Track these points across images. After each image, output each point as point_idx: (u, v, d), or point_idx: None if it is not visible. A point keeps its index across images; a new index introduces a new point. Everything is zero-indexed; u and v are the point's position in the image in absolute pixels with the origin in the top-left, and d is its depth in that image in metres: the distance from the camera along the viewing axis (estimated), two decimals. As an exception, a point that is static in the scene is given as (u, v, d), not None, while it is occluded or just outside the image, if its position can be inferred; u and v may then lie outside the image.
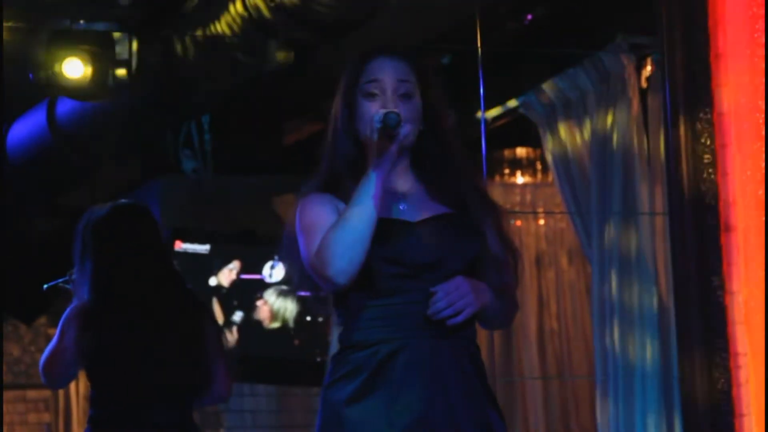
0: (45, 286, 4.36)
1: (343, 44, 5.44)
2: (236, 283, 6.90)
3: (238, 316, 6.84)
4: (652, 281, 5.59)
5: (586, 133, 5.84)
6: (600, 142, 5.75)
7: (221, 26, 5.57)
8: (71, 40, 5.69)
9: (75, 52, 5.69)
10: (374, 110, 2.94)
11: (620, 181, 5.67)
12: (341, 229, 2.88)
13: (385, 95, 2.98)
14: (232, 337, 6.78)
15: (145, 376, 4.08)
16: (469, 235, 2.99)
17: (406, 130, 2.92)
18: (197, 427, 4.25)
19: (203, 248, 6.86)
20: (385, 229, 2.92)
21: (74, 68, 5.69)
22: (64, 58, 5.69)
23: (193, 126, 7.09)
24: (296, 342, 6.94)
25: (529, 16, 5.87)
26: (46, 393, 9.80)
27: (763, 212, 3.77)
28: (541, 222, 7.60)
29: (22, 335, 9.84)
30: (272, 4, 5.29)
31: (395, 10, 5.32)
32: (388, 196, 2.97)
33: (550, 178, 7.03)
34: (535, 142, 6.92)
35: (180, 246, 6.80)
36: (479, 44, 5.38)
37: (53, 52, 5.67)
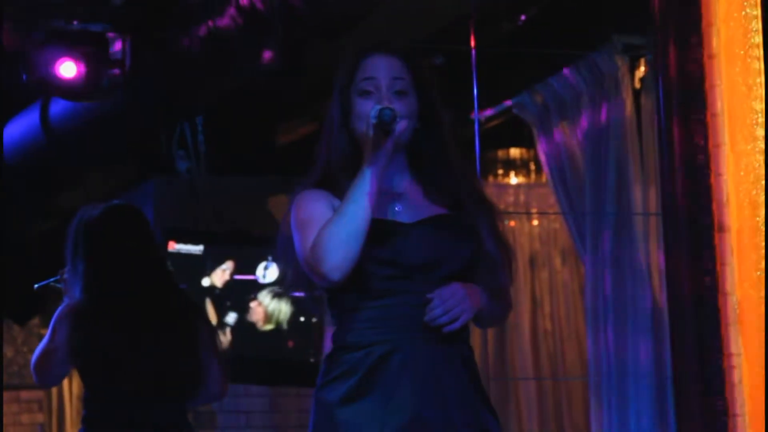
0: (36, 285, 4.36)
1: (337, 44, 5.44)
2: (230, 284, 6.88)
3: (231, 317, 6.83)
4: (646, 282, 5.60)
5: (580, 134, 5.85)
6: (594, 142, 5.76)
7: (216, 26, 5.57)
8: (65, 41, 5.68)
9: (69, 53, 5.68)
10: (369, 107, 2.93)
11: (614, 182, 5.68)
12: (336, 225, 2.88)
13: (380, 92, 2.98)
14: (225, 338, 6.76)
15: (138, 376, 4.08)
16: (464, 237, 2.99)
17: (402, 126, 2.92)
18: (191, 426, 4.25)
19: (196, 249, 6.84)
20: (380, 231, 2.92)
21: (68, 68, 5.68)
22: (57, 59, 5.68)
23: (187, 126, 7.08)
24: (290, 343, 6.93)
25: (523, 17, 5.87)
26: (40, 393, 9.78)
27: (756, 213, 3.78)
28: (535, 222, 7.61)
29: (15, 336, 9.82)
30: (267, 4, 5.29)
31: (389, 10, 5.32)
32: (384, 197, 2.96)
33: (543, 179, 7.03)
34: (528, 143, 6.93)
35: (173, 246, 6.79)
36: (473, 44, 5.38)
37: (47, 52, 5.67)
